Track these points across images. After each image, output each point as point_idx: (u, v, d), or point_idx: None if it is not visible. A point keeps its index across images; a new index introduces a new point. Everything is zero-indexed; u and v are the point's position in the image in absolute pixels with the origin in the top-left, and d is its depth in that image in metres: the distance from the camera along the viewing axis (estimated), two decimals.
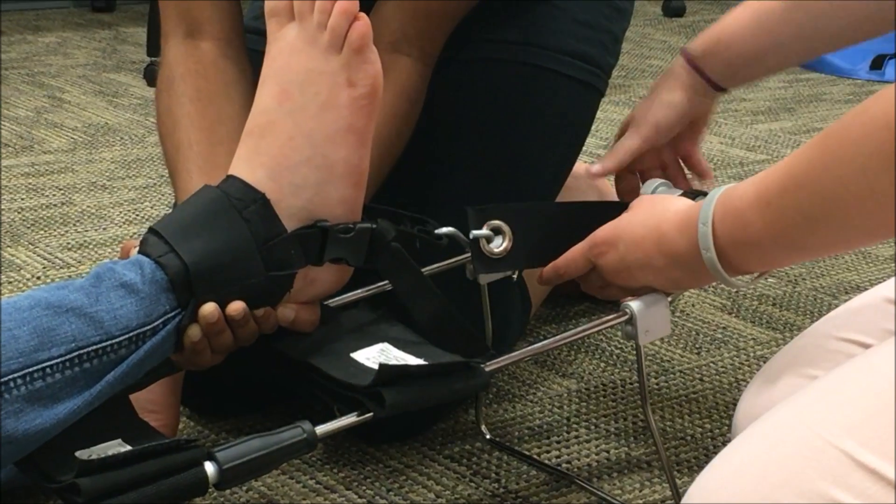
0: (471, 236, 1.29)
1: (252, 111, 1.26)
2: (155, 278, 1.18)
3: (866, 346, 1.15)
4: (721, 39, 1.44)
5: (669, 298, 1.29)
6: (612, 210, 1.35)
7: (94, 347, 1.14)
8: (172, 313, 1.19)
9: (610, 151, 1.49)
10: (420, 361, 1.22)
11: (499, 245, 1.30)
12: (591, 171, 1.49)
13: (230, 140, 1.42)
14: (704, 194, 1.48)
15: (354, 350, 1.24)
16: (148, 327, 1.17)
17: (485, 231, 1.29)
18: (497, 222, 1.30)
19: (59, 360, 1.12)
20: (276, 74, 1.25)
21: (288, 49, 1.24)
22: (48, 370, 1.12)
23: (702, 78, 1.45)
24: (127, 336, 1.16)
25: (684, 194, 1.48)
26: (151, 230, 1.22)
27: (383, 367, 1.16)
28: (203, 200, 1.23)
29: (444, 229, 1.31)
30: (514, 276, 1.39)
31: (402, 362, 1.22)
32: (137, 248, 1.23)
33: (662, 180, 1.48)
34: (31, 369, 1.11)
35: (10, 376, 1.10)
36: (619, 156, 1.47)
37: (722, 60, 1.44)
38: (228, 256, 1.19)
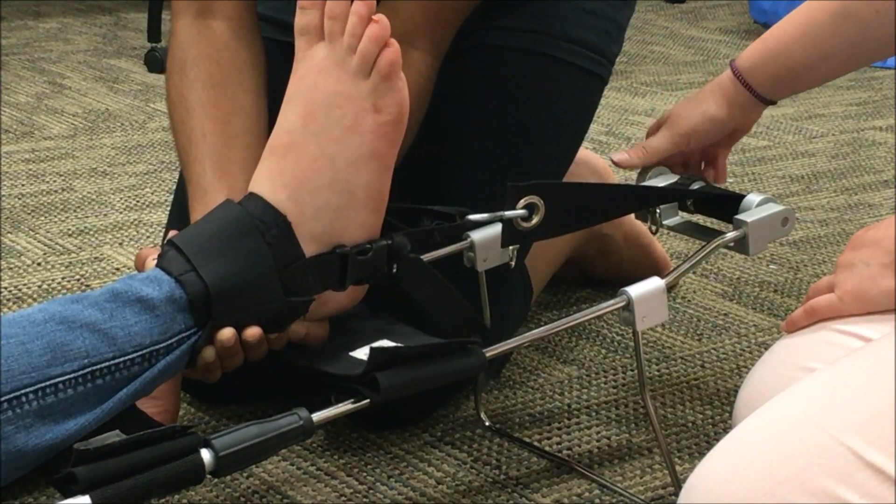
0: (506, 215, 1.32)
1: (276, 129, 1.26)
2: (173, 297, 1.17)
3: (865, 340, 1.14)
4: (768, 51, 1.43)
5: (667, 280, 1.29)
6: (640, 192, 1.39)
7: (107, 364, 1.14)
8: (188, 333, 1.18)
9: (638, 146, 1.48)
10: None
11: (531, 221, 1.33)
12: (613, 158, 1.49)
13: (244, 133, 1.42)
14: (701, 179, 1.48)
15: (354, 350, 1.25)
16: (162, 345, 1.17)
17: (520, 210, 1.31)
18: (533, 198, 1.32)
19: (71, 375, 1.12)
20: (302, 95, 1.24)
21: (316, 69, 1.24)
22: (60, 386, 1.11)
23: (748, 92, 1.45)
24: (140, 353, 1.15)
25: (681, 179, 1.48)
26: (172, 244, 1.21)
27: (374, 350, 1.16)
28: (226, 218, 1.22)
29: (477, 216, 1.32)
30: (513, 263, 1.39)
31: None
32: (154, 260, 1.22)
33: (660, 167, 1.48)
34: (43, 385, 1.11)
35: (23, 391, 1.10)
36: (647, 155, 1.48)
37: (769, 73, 1.44)
38: (249, 280, 1.19)
